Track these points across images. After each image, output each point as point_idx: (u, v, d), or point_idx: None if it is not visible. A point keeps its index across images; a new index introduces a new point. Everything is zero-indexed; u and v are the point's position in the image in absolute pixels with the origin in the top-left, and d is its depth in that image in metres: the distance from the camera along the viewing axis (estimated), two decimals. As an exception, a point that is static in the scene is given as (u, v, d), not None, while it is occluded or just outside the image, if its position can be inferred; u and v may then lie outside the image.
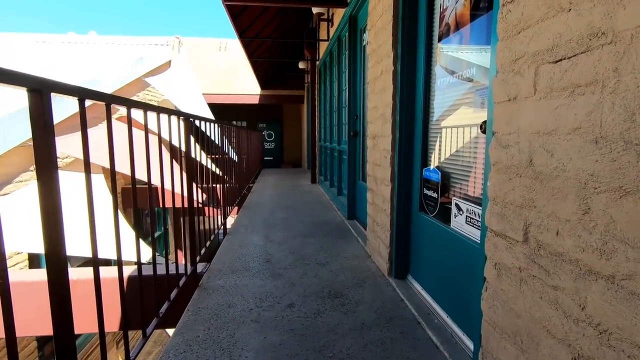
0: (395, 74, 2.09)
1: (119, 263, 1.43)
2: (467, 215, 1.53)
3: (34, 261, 4.19)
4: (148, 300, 1.60)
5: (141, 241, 2.38)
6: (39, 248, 3.38)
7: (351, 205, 3.75)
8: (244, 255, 2.73)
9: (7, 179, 3.78)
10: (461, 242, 1.56)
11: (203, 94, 8.82)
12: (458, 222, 1.60)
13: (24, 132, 3.97)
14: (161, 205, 6.64)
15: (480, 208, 1.38)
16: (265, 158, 13.08)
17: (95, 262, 1.16)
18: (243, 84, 9.60)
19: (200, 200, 2.72)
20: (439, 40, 1.80)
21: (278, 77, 9.65)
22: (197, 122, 2.60)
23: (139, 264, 1.63)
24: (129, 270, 2.43)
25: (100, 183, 4.31)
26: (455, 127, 1.66)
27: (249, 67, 8.80)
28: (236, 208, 4.70)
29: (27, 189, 3.90)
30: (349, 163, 3.74)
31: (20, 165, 3.96)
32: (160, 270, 1.88)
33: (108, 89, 5.81)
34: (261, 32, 5.75)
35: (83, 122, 1.18)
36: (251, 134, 7.03)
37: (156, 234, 7.62)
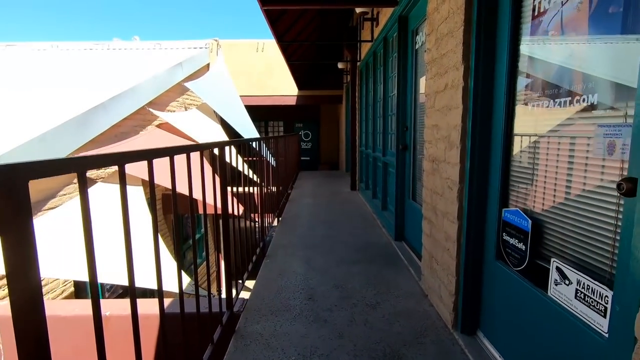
0: (466, 90, 1.72)
1: (160, 298, 1.26)
2: (577, 289, 1.16)
3: (81, 289, 4.24)
4: (187, 341, 1.45)
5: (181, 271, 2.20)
6: (74, 274, 3.35)
7: (399, 225, 3.41)
8: (283, 288, 2.49)
9: (52, 192, 3.80)
10: (565, 320, 1.19)
11: (240, 96, 8.74)
12: (561, 293, 1.23)
13: (70, 144, 3.99)
14: (201, 211, 6.65)
15: (608, 291, 1.01)
16: (302, 158, 12.93)
17: (133, 301, 1.08)
18: (280, 85, 9.43)
19: (238, 213, 2.51)
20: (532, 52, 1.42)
21: (316, 78, 9.38)
22: (237, 143, 2.38)
23: (181, 299, 1.45)
24: (160, 304, 2.26)
25: (139, 195, 4.27)
26: (554, 168, 1.28)
27: (286, 67, 8.60)
28: (276, 219, 4.51)
29: (71, 204, 3.91)
30: (396, 178, 3.39)
31: (64, 178, 3.98)
32: (193, 306, 1.69)
33: (147, 97, 5.82)
34: (300, 34, 5.49)
35: (123, 185, 1.08)
36: (289, 141, 6.83)
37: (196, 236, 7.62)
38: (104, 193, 4.16)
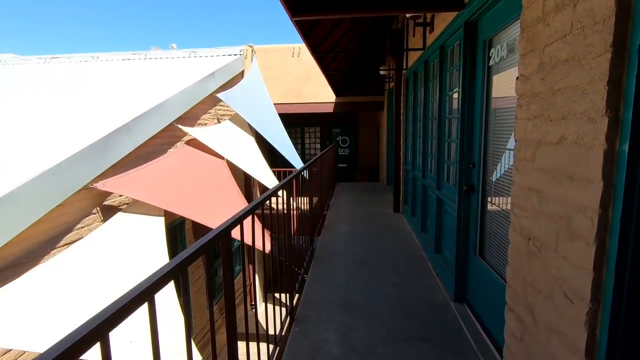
0: (611, 157, 1.05)
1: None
2: None
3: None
4: None
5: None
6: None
7: (460, 282, 2.72)
8: (314, 387, 1.92)
9: (67, 226, 3.51)
10: None
11: (274, 104, 8.31)
12: None
13: (88, 173, 3.69)
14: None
15: None
16: (339, 164, 12.34)
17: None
18: (317, 91, 8.89)
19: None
20: None
21: (354, 84, 8.74)
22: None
23: None
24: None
25: (159, 227, 3.90)
26: None
27: (321, 73, 8.04)
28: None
29: (91, 238, 3.60)
30: (458, 223, 2.70)
31: (82, 210, 3.69)
32: None
33: (176, 113, 5.50)
34: (337, 43, 4.89)
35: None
36: (326, 155, 6.27)
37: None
38: (123, 225, 3.83)
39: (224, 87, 7.41)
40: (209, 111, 7.07)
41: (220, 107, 7.64)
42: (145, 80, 6.76)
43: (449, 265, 3.07)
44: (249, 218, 1.81)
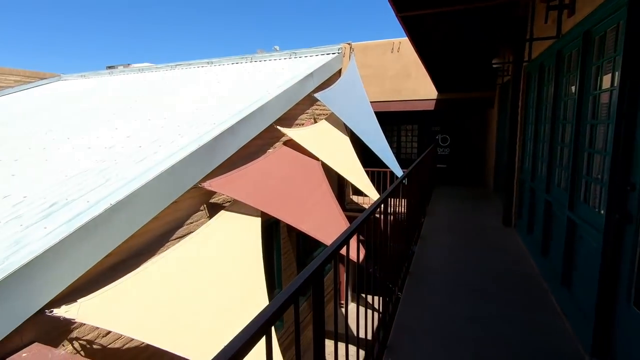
0: None
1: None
2: None
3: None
4: None
5: None
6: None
7: (600, 334, 2.15)
8: None
9: (179, 222, 3.85)
10: None
11: (371, 102, 8.06)
12: None
13: (197, 173, 4.00)
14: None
15: None
16: (438, 165, 11.50)
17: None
18: (416, 88, 8.35)
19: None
20: None
21: (460, 78, 7.95)
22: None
23: None
24: None
25: (255, 226, 4.03)
26: None
27: (422, 68, 7.48)
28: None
29: (199, 233, 3.89)
30: (604, 261, 2.13)
31: (191, 207, 4.02)
32: None
33: (276, 114, 5.67)
34: (445, 35, 4.40)
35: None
36: (425, 158, 5.80)
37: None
38: (226, 222, 4.06)
39: (322, 86, 7.45)
40: (307, 111, 7.18)
41: (317, 107, 7.71)
42: (250, 83, 7.16)
43: (582, 306, 2.47)
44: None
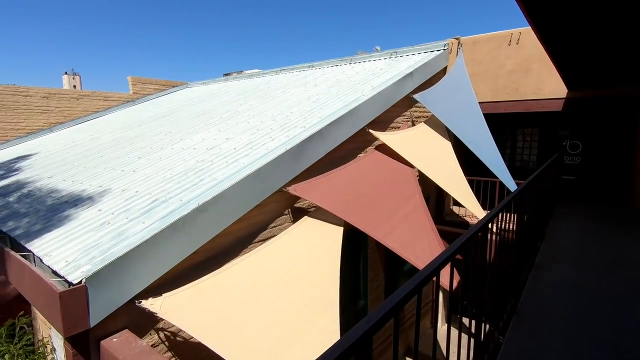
0: None
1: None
2: None
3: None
4: None
5: None
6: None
7: None
8: None
9: (263, 225, 3.87)
10: None
11: (482, 102, 7.14)
12: None
13: (284, 176, 3.98)
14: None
15: None
16: (564, 177, 9.66)
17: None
18: (538, 86, 7.09)
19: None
20: None
21: (598, 71, 6.46)
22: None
23: None
24: None
25: (337, 237, 3.81)
26: None
27: (547, 61, 6.27)
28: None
29: (283, 236, 3.86)
30: None
31: (275, 211, 4.01)
32: None
33: (369, 117, 5.37)
34: (583, 12, 3.48)
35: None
36: (548, 172, 4.79)
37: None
38: (308, 228, 3.95)
39: (424, 86, 6.88)
40: (404, 113, 6.71)
41: (416, 109, 7.16)
42: (346, 85, 7.01)
43: None
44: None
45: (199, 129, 6.30)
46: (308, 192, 3.98)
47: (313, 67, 10.45)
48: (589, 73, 6.51)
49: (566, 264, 3.92)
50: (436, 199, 8.10)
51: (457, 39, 7.90)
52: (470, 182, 8.23)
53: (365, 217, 3.85)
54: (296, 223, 4.02)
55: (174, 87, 13.64)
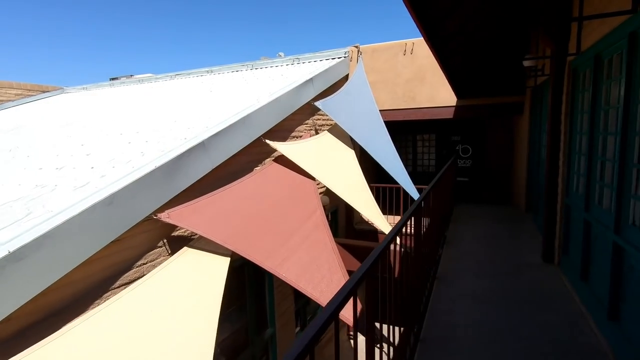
0: None
1: None
2: None
3: None
4: None
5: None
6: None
7: None
8: None
9: (125, 265, 3.04)
10: None
11: (382, 110, 7.17)
12: None
13: (148, 203, 3.20)
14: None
15: None
16: (459, 178, 10.41)
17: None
18: (432, 94, 7.41)
19: None
20: None
21: (483, 82, 6.97)
22: None
23: None
24: None
25: (221, 270, 3.17)
26: None
27: (439, 70, 6.55)
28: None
29: (154, 276, 3.07)
30: None
31: (144, 244, 3.21)
32: None
33: (265, 126, 4.86)
34: (463, 25, 3.48)
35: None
36: (445, 175, 4.84)
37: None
38: (187, 262, 3.23)
39: (326, 93, 6.63)
40: (306, 121, 6.35)
41: (319, 117, 6.88)
42: (244, 91, 6.41)
43: None
44: None
45: (57, 143, 5.08)
46: (187, 217, 3.27)
47: (212, 72, 9.61)
48: (472, 85, 6.99)
49: (466, 272, 3.87)
50: (346, 207, 7.93)
51: (356, 47, 7.90)
52: (377, 189, 8.28)
53: (258, 243, 3.29)
54: (173, 257, 3.27)
55: (44, 92, 11.44)
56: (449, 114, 7.37)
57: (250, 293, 4.79)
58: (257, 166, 4.82)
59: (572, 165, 3.60)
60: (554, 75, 3.77)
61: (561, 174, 3.79)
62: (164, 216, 3.20)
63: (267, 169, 4.64)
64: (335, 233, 7.74)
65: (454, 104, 7.31)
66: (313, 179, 4.79)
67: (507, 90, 6.84)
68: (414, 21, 2.46)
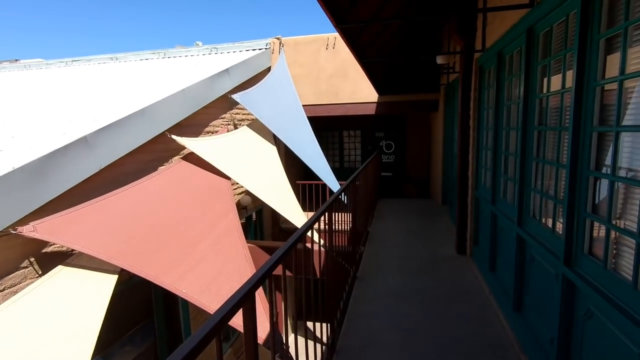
0: None
1: None
2: None
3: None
4: None
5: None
6: None
7: None
8: None
9: (-30, 295, 2.37)
10: None
11: (305, 105, 6.96)
12: None
13: (10, 213, 2.56)
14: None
15: None
16: (383, 174, 10.72)
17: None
18: (355, 90, 7.41)
19: None
20: None
21: (401, 79, 7.15)
22: None
23: None
24: None
25: (103, 291, 2.66)
26: None
27: (360, 67, 6.55)
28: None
29: (14, 303, 2.44)
30: None
31: (3, 265, 2.55)
32: None
33: (171, 120, 4.32)
34: (381, 17, 3.38)
35: None
36: (368, 169, 4.79)
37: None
38: (63, 284, 2.64)
39: (245, 86, 6.21)
40: (222, 116, 5.88)
41: (238, 111, 6.44)
42: (150, 81, 5.71)
43: None
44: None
45: None
46: (59, 230, 2.68)
47: (117, 59, 8.52)
48: (390, 82, 7.13)
49: (386, 269, 3.82)
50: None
51: (278, 38, 7.57)
52: (303, 187, 8.10)
53: (154, 256, 2.82)
54: (43, 278, 2.65)
55: None
56: (371, 110, 7.44)
57: (159, 308, 4.24)
58: (162, 165, 4.26)
59: (480, 159, 3.74)
60: (463, 72, 3.88)
61: (471, 167, 3.93)
62: (28, 230, 2.57)
63: (174, 168, 4.12)
64: (260, 234, 7.38)
65: (376, 100, 7.40)
66: (228, 178, 4.39)
67: (424, 88, 7.10)
68: (320, 5, 2.23)
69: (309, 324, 5.88)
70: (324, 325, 2.43)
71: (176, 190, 3.78)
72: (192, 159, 4.43)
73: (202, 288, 2.70)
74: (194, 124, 5.00)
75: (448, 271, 3.70)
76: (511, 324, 2.54)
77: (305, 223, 1.99)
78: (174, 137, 4.22)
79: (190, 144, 4.28)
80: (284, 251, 1.54)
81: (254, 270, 3.12)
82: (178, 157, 4.48)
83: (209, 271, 2.87)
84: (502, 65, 3.01)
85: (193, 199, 3.75)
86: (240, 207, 6.33)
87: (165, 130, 4.21)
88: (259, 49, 7.53)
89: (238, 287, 2.64)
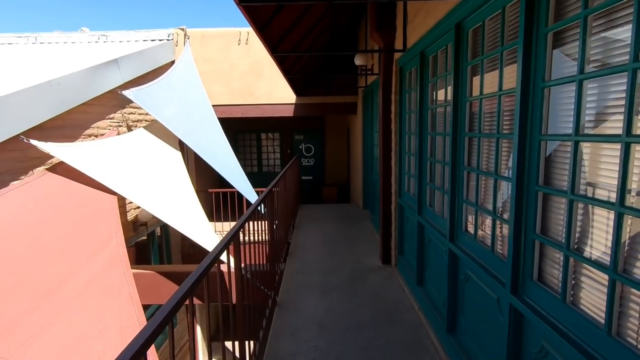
0: None
1: None
2: None
3: None
4: None
5: None
6: None
7: None
8: None
9: None
10: None
11: (214, 105, 6.24)
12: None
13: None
14: None
15: None
16: (304, 177, 10.41)
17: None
18: (271, 90, 6.92)
19: None
20: None
21: (319, 81, 6.89)
22: None
23: None
24: None
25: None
26: None
27: (275, 66, 6.10)
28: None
29: None
30: None
31: None
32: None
33: (29, 121, 3.33)
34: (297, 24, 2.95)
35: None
36: (288, 176, 4.33)
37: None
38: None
39: (140, 81, 5.28)
40: (110, 115, 4.89)
41: (133, 110, 5.47)
42: (3, 70, 4.47)
43: None
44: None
45: None
46: None
47: (-33, 42, 6.69)
48: (307, 83, 6.83)
49: (309, 287, 3.42)
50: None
51: (182, 29, 6.71)
52: (217, 195, 7.33)
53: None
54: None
55: None
56: (290, 112, 7.03)
57: None
58: (16, 180, 3.24)
59: (403, 165, 3.56)
60: (383, 74, 3.67)
61: (394, 174, 3.75)
62: None
63: (34, 183, 3.14)
64: (166, 255, 6.44)
65: (294, 101, 7.00)
66: (114, 193, 3.54)
67: (342, 90, 6.93)
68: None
69: None
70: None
71: (34, 214, 2.86)
72: (64, 170, 3.48)
73: (60, 354, 1.95)
74: (68, 125, 4.00)
75: (374, 286, 3.43)
76: (447, 350, 2.32)
77: (215, 247, 1.48)
78: (33, 141, 3.24)
79: (57, 150, 3.34)
80: (181, 295, 1.04)
81: (142, 316, 2.44)
82: (42, 167, 3.48)
83: (74, 327, 2.11)
84: (425, 66, 2.81)
85: (59, 224, 2.87)
86: (138, 223, 5.37)
87: (20, 134, 3.22)
88: (159, 40, 6.57)
89: (118, 343, 1.94)
